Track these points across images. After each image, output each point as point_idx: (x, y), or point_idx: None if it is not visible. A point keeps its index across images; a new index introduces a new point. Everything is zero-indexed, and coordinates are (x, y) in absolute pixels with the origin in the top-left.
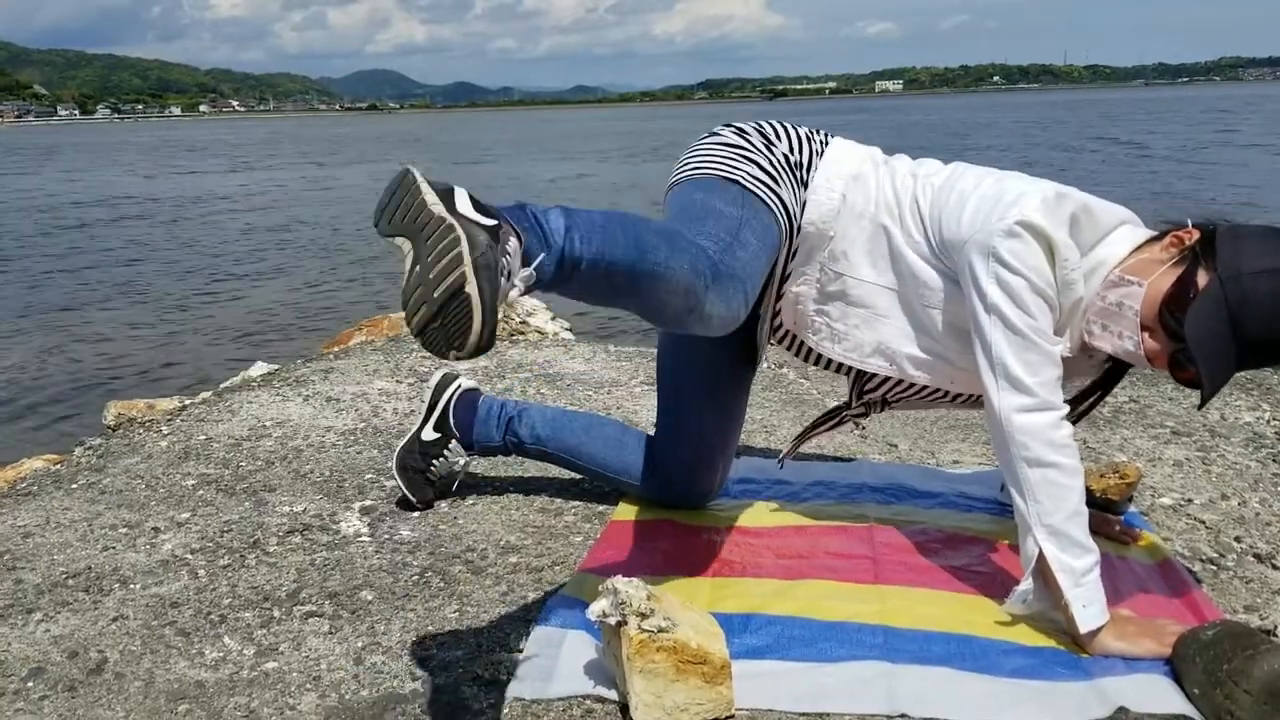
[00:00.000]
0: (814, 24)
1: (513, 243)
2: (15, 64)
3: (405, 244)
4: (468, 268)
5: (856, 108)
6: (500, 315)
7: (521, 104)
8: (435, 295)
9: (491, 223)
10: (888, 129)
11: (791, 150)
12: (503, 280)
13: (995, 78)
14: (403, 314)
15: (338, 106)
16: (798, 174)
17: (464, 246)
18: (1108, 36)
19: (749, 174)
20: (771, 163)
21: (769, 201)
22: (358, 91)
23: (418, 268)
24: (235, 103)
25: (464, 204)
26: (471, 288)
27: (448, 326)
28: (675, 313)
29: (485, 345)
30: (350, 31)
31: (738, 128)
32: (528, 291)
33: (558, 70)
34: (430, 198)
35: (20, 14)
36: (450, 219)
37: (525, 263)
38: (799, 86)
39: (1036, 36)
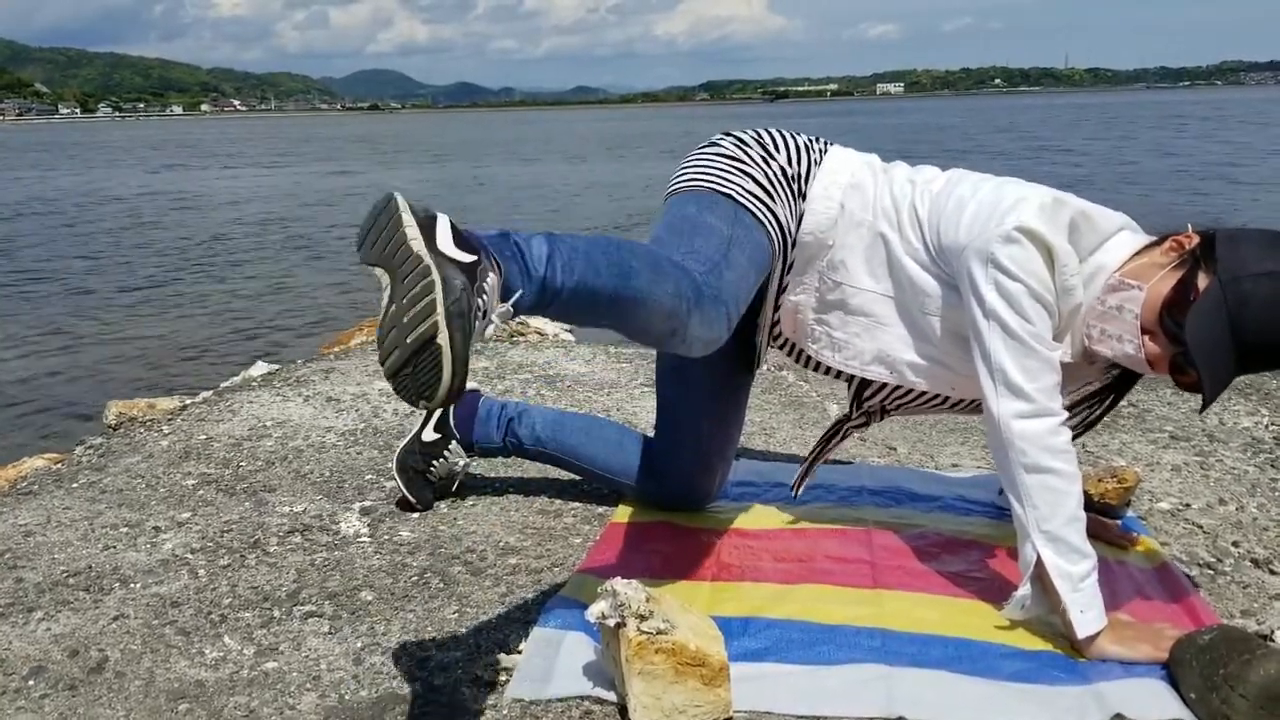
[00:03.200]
0: (815, 26)
1: (490, 279)
2: (17, 62)
3: (384, 277)
4: (440, 317)
5: (852, 110)
6: (474, 352)
7: (523, 104)
8: (408, 341)
9: (470, 259)
10: (868, 130)
11: (790, 162)
12: (477, 322)
13: (996, 80)
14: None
15: (339, 106)
16: (794, 186)
17: (438, 293)
18: (1109, 40)
19: (744, 189)
20: (768, 176)
21: (762, 218)
22: (359, 91)
23: (393, 308)
24: (237, 102)
25: (444, 238)
26: (443, 338)
27: (418, 375)
28: (657, 335)
29: (456, 395)
30: (352, 31)
31: (737, 138)
32: (505, 322)
33: (559, 71)
34: (411, 231)
35: (22, 12)
36: (428, 259)
37: (504, 296)
38: (800, 88)
39: (1038, 39)
